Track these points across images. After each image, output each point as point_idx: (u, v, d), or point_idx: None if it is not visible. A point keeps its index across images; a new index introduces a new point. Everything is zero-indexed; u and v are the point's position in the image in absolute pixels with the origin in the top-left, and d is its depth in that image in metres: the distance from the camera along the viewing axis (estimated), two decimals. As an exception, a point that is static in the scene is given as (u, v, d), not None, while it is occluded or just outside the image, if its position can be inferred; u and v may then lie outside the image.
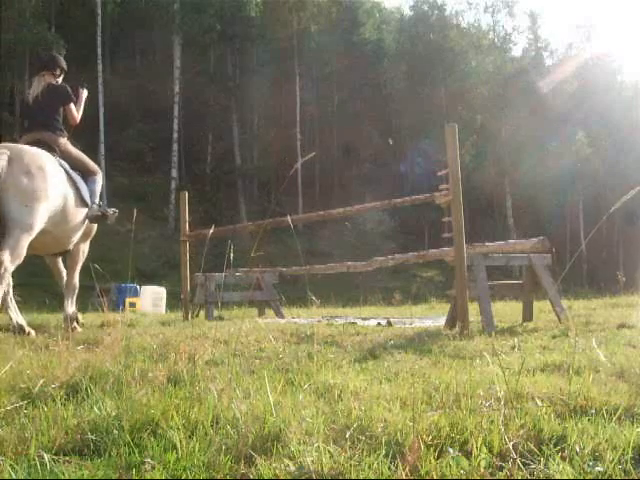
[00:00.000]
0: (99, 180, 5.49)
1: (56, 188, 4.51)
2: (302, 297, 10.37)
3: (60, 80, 5.34)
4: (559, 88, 33.68)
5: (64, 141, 5.13)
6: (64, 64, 5.44)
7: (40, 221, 4.31)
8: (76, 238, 5.10)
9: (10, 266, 4.07)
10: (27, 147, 4.55)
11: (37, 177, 4.32)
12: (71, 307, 5.03)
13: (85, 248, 5.40)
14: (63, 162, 4.94)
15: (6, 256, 4.03)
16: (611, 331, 4.06)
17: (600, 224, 2.31)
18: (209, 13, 28.88)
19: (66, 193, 4.73)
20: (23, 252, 4.16)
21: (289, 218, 3.88)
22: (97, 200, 5.26)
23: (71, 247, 5.17)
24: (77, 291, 5.23)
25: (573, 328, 4.13)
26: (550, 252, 5.16)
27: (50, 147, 4.88)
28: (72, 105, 5.27)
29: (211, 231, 4.15)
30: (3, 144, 4.50)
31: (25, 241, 4.18)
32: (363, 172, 34.10)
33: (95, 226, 5.43)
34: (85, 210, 5.00)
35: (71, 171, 4.97)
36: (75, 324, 4.90)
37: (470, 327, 4.33)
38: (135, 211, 3.74)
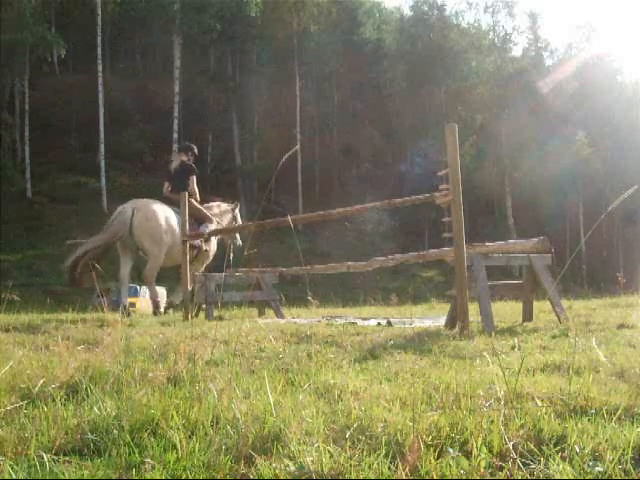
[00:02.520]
0: (210, 226, 7.74)
1: (165, 225, 7.30)
2: (302, 297, 10.37)
3: (190, 159, 8.07)
4: (559, 88, 33.67)
5: (189, 200, 7.18)
6: (195, 151, 8.24)
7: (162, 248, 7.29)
8: (191, 256, 7.18)
9: (153, 279, 7.47)
10: (146, 201, 7.47)
11: (153, 221, 7.21)
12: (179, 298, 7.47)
13: (201, 267, 7.93)
14: (173, 207, 7.48)
15: (150, 274, 7.39)
16: (611, 331, 4.06)
17: (598, 222, 2.31)
18: (209, 13, 28.86)
19: (175, 229, 7.32)
20: (158, 269, 7.42)
21: (289, 218, 3.89)
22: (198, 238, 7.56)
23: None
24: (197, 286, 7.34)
25: (573, 328, 4.13)
26: (550, 252, 5.16)
27: (175, 202, 7.36)
28: (194, 177, 7.94)
29: (208, 231, 4.17)
30: (132, 200, 7.45)
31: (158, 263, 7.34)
32: (363, 172, 34.11)
33: (210, 255, 8.04)
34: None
35: (175, 210, 7.42)
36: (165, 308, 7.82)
37: (470, 327, 4.33)
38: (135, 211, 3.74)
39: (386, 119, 36.01)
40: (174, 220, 7.41)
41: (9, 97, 27.81)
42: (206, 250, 7.89)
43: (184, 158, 8.03)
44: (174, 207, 7.44)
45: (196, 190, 7.87)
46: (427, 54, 34.30)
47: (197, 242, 7.57)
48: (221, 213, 8.42)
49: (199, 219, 7.69)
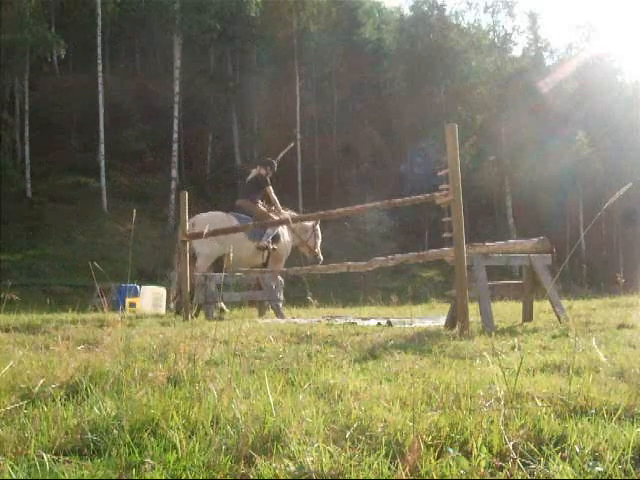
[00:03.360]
0: (273, 229, 8.41)
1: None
2: (302, 297, 10.38)
3: (269, 173, 8.71)
4: (559, 88, 33.65)
5: (255, 207, 8.41)
6: (274, 166, 8.85)
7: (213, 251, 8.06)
8: (259, 259, 8.47)
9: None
10: (204, 215, 8.26)
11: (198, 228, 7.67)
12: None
13: (278, 266, 8.51)
14: (243, 218, 8.29)
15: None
16: (611, 331, 4.06)
17: (596, 219, 2.32)
18: (209, 13, 28.84)
19: (238, 235, 7.95)
20: (205, 269, 7.93)
21: (289, 218, 3.88)
22: (265, 238, 8.39)
23: (259, 262, 8.49)
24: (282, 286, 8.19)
25: (573, 328, 4.13)
26: (550, 252, 5.16)
27: (244, 209, 8.43)
28: (269, 189, 8.59)
29: (206, 231, 4.19)
30: (196, 216, 8.09)
31: (208, 262, 8.09)
32: (363, 172, 34.09)
33: (282, 253, 8.69)
34: (254, 244, 8.32)
35: (243, 221, 8.19)
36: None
37: (470, 327, 4.33)
38: (134, 211, 3.74)
39: (386, 119, 35.99)
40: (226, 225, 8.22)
41: (9, 97, 27.80)
42: (274, 249, 8.51)
43: (262, 172, 8.69)
44: (240, 216, 8.32)
45: (275, 199, 8.61)
46: (427, 54, 34.28)
47: (264, 243, 8.36)
48: (301, 226, 9.04)
49: (264, 224, 8.26)
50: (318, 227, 9.23)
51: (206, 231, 7.53)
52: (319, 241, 9.22)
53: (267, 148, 31.39)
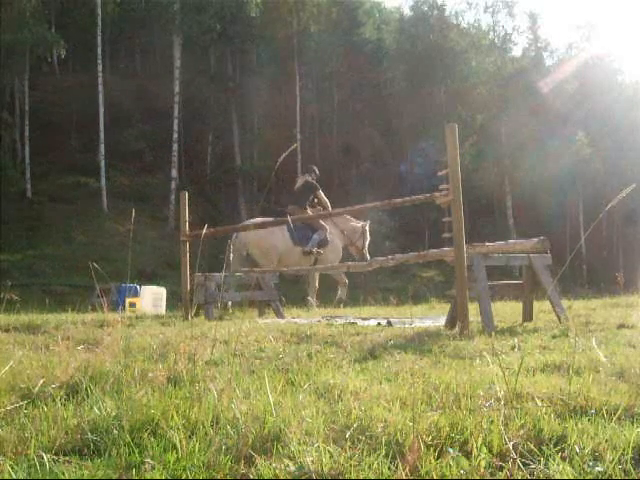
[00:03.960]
0: (320, 234, 9.00)
1: (273, 238, 8.79)
2: (302, 297, 10.37)
3: (314, 178, 9.29)
4: (559, 88, 33.63)
5: (304, 211, 8.85)
6: (317, 171, 9.45)
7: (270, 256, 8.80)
8: (307, 263, 8.92)
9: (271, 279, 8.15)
10: (256, 219, 8.60)
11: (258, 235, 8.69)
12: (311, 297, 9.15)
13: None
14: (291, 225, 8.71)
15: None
16: (611, 331, 4.06)
17: (597, 221, 2.31)
18: (209, 13, 28.83)
19: (284, 239, 8.82)
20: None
21: (289, 218, 3.88)
22: (311, 243, 8.98)
23: (310, 263, 8.98)
24: (316, 290, 9.23)
25: (573, 328, 4.13)
26: (549, 252, 5.16)
27: (294, 215, 8.42)
28: (319, 192, 9.14)
29: (204, 231, 4.19)
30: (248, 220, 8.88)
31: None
32: (363, 172, 34.08)
33: (330, 257, 9.07)
34: (300, 249, 8.91)
35: (291, 228, 8.72)
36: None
37: (470, 327, 4.33)
38: (133, 211, 3.75)
39: (386, 119, 35.98)
40: (284, 233, 8.92)
41: (9, 97, 27.79)
42: (319, 252, 9.00)
43: (308, 178, 9.29)
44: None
45: (326, 201, 9.20)
46: (427, 54, 34.26)
47: (309, 248, 8.93)
48: (351, 227, 9.51)
49: (313, 227, 9.00)
50: (367, 228, 9.73)
51: (268, 236, 8.72)
52: (367, 242, 9.63)
53: (267, 148, 31.49)
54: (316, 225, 9.07)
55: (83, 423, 1.71)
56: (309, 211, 8.96)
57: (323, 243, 9.08)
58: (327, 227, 9.17)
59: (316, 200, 9.28)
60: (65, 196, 26.22)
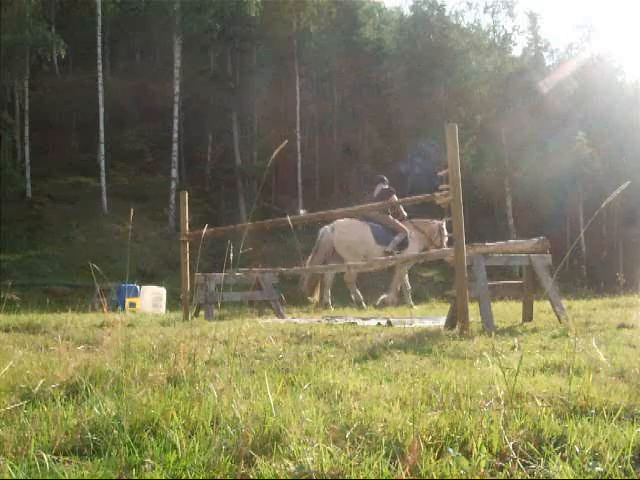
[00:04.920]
0: (401, 236, 9.59)
1: (356, 238, 9.58)
2: (302, 297, 10.37)
3: (387, 186, 10.07)
4: (559, 88, 33.62)
5: (385, 216, 9.74)
6: (386, 180, 10.27)
7: (357, 253, 9.41)
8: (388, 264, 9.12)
9: (352, 281, 9.61)
10: (343, 220, 9.61)
11: (347, 235, 9.60)
12: (392, 296, 9.91)
13: (404, 269, 9.86)
14: (374, 225, 9.67)
15: (348, 279, 9.63)
16: (611, 331, 4.06)
17: (595, 216, 2.32)
18: (209, 13, 28.82)
19: (368, 239, 9.53)
20: (355, 274, 9.48)
21: (288, 218, 3.88)
22: (392, 244, 9.52)
23: (388, 265, 9.08)
24: (399, 288, 10.01)
25: (573, 328, 4.13)
26: (549, 252, 5.16)
27: (375, 218, 9.63)
28: (394, 197, 9.54)
29: (204, 231, 4.19)
30: (335, 221, 9.69)
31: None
32: (363, 172, 34.06)
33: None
34: (382, 249, 9.41)
35: (375, 229, 9.67)
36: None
37: (470, 327, 4.33)
38: (132, 211, 3.74)
39: (386, 119, 35.96)
40: (368, 234, 9.60)
41: (9, 97, 27.78)
42: (399, 253, 9.41)
43: (384, 186, 10.07)
44: (374, 223, 9.63)
45: (401, 207, 9.89)
46: (427, 54, 34.25)
47: (389, 248, 9.39)
48: (430, 228, 10.07)
49: (393, 230, 9.63)
50: (445, 226, 10.10)
51: (356, 236, 9.57)
52: (446, 239, 10.03)
53: (267, 148, 31.48)
54: (397, 228, 9.77)
55: (83, 423, 1.71)
56: (389, 216, 9.84)
57: (404, 245, 9.67)
58: (407, 230, 9.80)
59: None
60: (65, 196, 26.22)
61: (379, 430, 1.59)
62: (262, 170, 30.39)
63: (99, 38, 27.74)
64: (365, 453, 1.45)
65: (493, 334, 4.01)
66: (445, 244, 10.06)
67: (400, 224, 9.80)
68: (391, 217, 9.86)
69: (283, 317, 7.38)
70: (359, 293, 9.75)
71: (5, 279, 12.30)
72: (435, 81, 34.00)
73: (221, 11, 29.51)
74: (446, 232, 10.12)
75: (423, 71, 33.94)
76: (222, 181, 30.72)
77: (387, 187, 10.08)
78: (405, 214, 10.09)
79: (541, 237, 5.30)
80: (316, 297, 9.77)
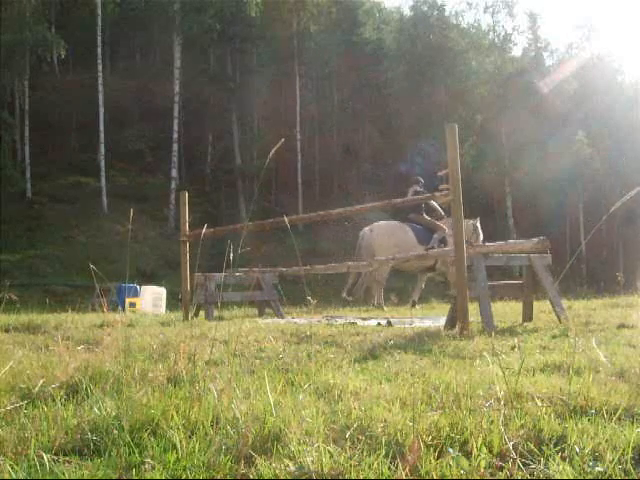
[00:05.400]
0: (440, 234, 9.76)
1: (395, 239, 9.69)
2: (302, 297, 10.37)
3: (422, 187, 9.97)
4: (559, 88, 33.62)
5: (422, 216, 9.94)
6: (422, 181, 10.20)
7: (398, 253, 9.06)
8: (429, 261, 9.43)
9: (382, 281, 9.80)
10: (382, 222, 10.17)
11: (382, 237, 9.85)
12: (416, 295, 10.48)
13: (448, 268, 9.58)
14: (414, 226, 9.89)
15: (379, 277, 9.72)
16: (611, 331, 4.06)
17: (599, 225, 2.31)
18: (209, 13, 28.81)
19: (409, 239, 9.64)
20: (386, 274, 9.91)
21: (286, 218, 3.88)
22: (432, 242, 9.73)
23: (429, 264, 9.77)
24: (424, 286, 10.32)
25: (573, 328, 4.13)
26: (549, 252, 5.16)
27: (414, 220, 9.88)
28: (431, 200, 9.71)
29: (204, 231, 4.19)
30: (374, 224, 10.20)
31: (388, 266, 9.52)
32: (363, 172, 34.06)
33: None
34: (423, 248, 9.39)
35: (415, 229, 9.89)
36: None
37: (470, 327, 4.33)
38: (132, 211, 3.74)
39: (386, 119, 35.96)
40: (410, 235, 9.78)
41: (9, 97, 27.78)
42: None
43: (418, 188, 10.01)
44: (412, 224, 9.83)
45: (437, 207, 10.04)
46: (427, 54, 34.24)
47: (431, 245, 9.59)
48: (465, 227, 10.14)
49: (432, 229, 9.85)
50: (479, 225, 10.48)
51: (390, 238, 9.80)
52: (480, 238, 10.31)
53: (267, 148, 31.41)
54: (435, 227, 10.00)
55: (83, 423, 1.71)
56: (425, 216, 10.05)
57: (443, 242, 9.86)
58: (445, 228, 9.93)
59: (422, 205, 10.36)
60: (65, 196, 26.22)
61: (379, 430, 1.59)
62: (262, 170, 30.39)
63: (99, 38, 27.74)
64: (365, 453, 1.45)
65: (493, 334, 4.01)
66: (480, 242, 10.23)
67: (438, 223, 9.99)
68: (427, 218, 10.07)
69: (283, 317, 7.38)
70: (382, 295, 9.87)
71: (5, 279, 12.30)
72: (435, 81, 33.99)
73: (221, 11, 29.50)
74: (480, 231, 10.38)
75: (423, 71, 33.94)
76: (222, 181, 30.72)
77: (421, 189, 10.08)
78: (443, 213, 10.17)
79: (541, 237, 5.30)
80: (355, 297, 10.13)
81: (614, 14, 75.12)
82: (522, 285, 5.43)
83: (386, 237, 9.82)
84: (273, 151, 2.61)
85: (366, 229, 10.18)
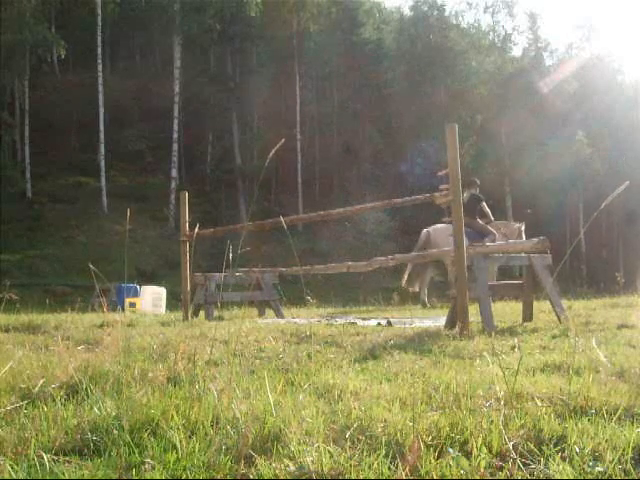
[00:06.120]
0: (491, 237, 9.72)
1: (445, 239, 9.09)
2: (302, 297, 10.37)
3: (477, 190, 10.25)
4: (559, 88, 33.63)
5: (473, 221, 9.85)
6: (478, 182, 10.46)
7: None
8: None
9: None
10: (439, 225, 10.05)
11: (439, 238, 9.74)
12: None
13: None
14: (467, 230, 10.01)
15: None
16: (611, 331, 4.06)
17: (594, 217, 2.31)
18: (209, 13, 28.82)
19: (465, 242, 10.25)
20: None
21: (282, 219, 3.88)
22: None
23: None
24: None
25: (573, 328, 4.12)
26: (549, 252, 5.16)
27: (467, 224, 9.98)
28: (483, 203, 10.20)
29: (198, 230, 4.20)
30: (433, 226, 10.36)
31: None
32: (363, 172, 34.07)
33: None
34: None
35: (467, 232, 9.80)
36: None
37: (470, 327, 4.33)
38: (129, 211, 3.74)
39: (386, 119, 35.96)
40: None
41: (9, 97, 27.78)
42: None
43: (473, 191, 10.17)
44: (466, 228, 9.97)
45: (489, 212, 10.24)
46: (427, 54, 34.25)
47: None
48: (511, 230, 10.66)
49: (483, 233, 9.94)
50: (523, 228, 10.69)
51: (445, 240, 9.56)
52: (524, 240, 10.50)
53: (267, 148, 31.40)
54: (486, 231, 10.16)
55: (83, 423, 1.71)
56: (478, 220, 10.21)
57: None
58: (495, 232, 10.17)
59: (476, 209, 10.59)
60: (65, 196, 26.22)
61: (379, 430, 1.59)
62: (262, 170, 30.36)
63: (99, 38, 27.74)
64: (365, 453, 1.45)
65: (493, 334, 4.01)
66: None
67: (488, 227, 10.18)
68: (480, 222, 10.24)
69: (283, 317, 7.38)
70: (425, 292, 10.32)
71: (5, 279, 12.29)
72: (435, 81, 33.99)
73: (221, 11, 29.51)
74: (524, 234, 10.57)
75: (423, 71, 33.94)
76: (222, 181, 30.72)
77: (476, 193, 10.29)
78: (492, 218, 10.42)
79: (541, 237, 5.29)
80: (416, 288, 10.53)
81: (614, 14, 75.16)
82: (522, 285, 5.43)
83: (445, 238, 10.01)
84: (273, 151, 2.61)
85: (426, 230, 10.50)
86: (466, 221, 10.46)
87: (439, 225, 10.26)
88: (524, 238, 10.51)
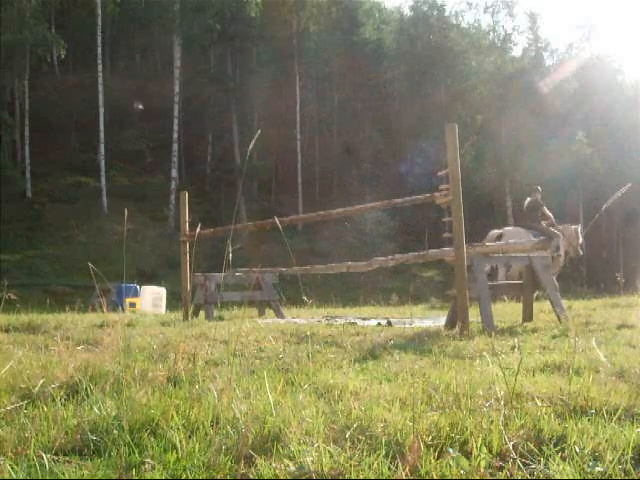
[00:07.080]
0: (556, 240, 10.10)
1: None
2: (302, 297, 10.38)
3: (538, 197, 10.56)
4: (559, 88, 33.62)
5: (538, 224, 10.38)
6: (540, 190, 10.75)
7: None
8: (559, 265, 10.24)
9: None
10: (510, 228, 10.77)
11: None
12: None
13: (555, 270, 9.80)
14: (534, 232, 10.05)
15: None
16: (611, 331, 4.06)
17: (594, 220, 2.32)
18: (209, 13, 28.82)
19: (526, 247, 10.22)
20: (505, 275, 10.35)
21: (277, 220, 3.88)
22: (552, 248, 9.77)
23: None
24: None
25: (573, 328, 4.13)
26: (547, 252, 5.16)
27: (532, 227, 10.39)
28: (544, 208, 10.59)
29: (199, 230, 4.20)
30: (504, 228, 10.98)
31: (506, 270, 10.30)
32: (363, 172, 34.07)
33: (561, 260, 10.45)
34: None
35: (535, 235, 9.70)
36: None
37: (470, 327, 4.33)
38: (126, 211, 3.73)
39: (386, 119, 35.97)
40: (530, 240, 10.57)
41: (9, 97, 27.78)
42: (559, 255, 10.27)
43: (534, 198, 10.63)
44: (533, 231, 10.21)
45: (550, 215, 10.66)
46: (427, 54, 34.24)
47: (549, 252, 10.63)
48: (570, 232, 10.93)
49: (548, 234, 9.96)
50: (580, 230, 11.06)
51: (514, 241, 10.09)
52: (580, 241, 10.93)
53: (267, 148, 31.51)
54: (551, 233, 10.35)
55: (83, 423, 1.70)
56: (542, 223, 10.56)
57: (557, 247, 10.45)
58: (559, 234, 10.48)
59: (540, 214, 10.89)
60: (65, 196, 26.22)
61: (379, 430, 1.59)
62: (262, 170, 30.38)
63: (99, 38, 27.74)
64: (365, 453, 1.45)
65: (493, 334, 4.01)
66: (580, 247, 11.03)
67: (552, 229, 10.47)
68: (543, 225, 10.58)
69: (283, 317, 7.38)
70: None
71: (5, 279, 12.29)
72: (435, 81, 33.99)
73: (221, 11, 29.52)
74: (580, 236, 10.92)
75: (423, 71, 33.94)
76: (222, 181, 30.72)
77: (537, 199, 10.63)
78: (554, 220, 10.79)
79: (541, 237, 5.29)
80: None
81: (614, 14, 75.14)
82: (522, 285, 5.43)
83: (515, 241, 10.82)
84: (253, 142, 2.58)
85: (496, 232, 10.84)
86: (532, 224, 10.65)
87: (510, 228, 10.79)
88: (581, 239, 11.01)
